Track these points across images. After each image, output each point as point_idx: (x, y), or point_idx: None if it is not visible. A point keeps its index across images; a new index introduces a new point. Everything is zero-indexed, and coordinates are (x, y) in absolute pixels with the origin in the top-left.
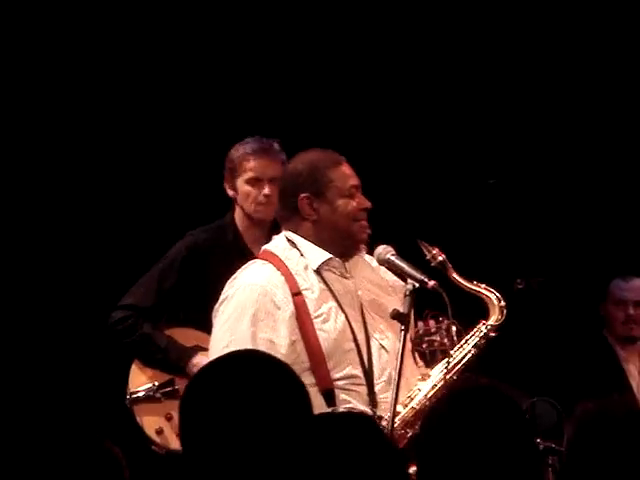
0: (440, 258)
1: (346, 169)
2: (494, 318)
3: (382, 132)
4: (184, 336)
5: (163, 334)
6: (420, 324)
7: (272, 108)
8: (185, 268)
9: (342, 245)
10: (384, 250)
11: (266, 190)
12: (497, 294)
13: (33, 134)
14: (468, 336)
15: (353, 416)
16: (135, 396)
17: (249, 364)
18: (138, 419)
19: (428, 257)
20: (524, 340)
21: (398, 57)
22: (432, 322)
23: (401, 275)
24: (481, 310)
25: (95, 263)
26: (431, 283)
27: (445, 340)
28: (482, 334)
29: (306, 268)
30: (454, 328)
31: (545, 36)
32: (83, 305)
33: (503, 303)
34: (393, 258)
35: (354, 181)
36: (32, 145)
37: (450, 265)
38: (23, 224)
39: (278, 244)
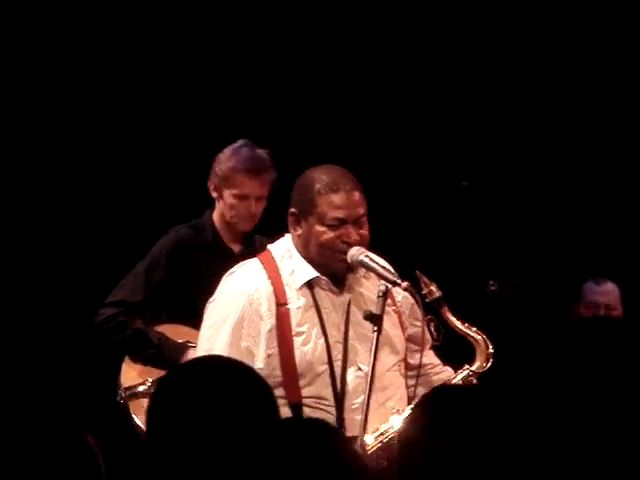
0: (437, 295)
1: (337, 199)
2: (477, 365)
3: (357, 134)
4: (174, 332)
5: (155, 330)
6: None
7: (254, 107)
8: (171, 263)
9: (319, 266)
10: (357, 252)
11: (253, 208)
12: (487, 340)
13: (15, 132)
14: (452, 378)
15: (317, 423)
16: (130, 392)
17: (215, 370)
18: (133, 415)
19: (425, 292)
20: (496, 340)
21: (368, 63)
22: None
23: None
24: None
25: (77, 260)
26: (404, 284)
27: (427, 336)
28: (462, 379)
29: (295, 281)
30: (432, 324)
31: (520, 37)
32: (63, 302)
33: (491, 350)
34: (366, 260)
35: (341, 213)
36: (14, 144)
37: (445, 303)
38: (8, 222)
39: (279, 248)
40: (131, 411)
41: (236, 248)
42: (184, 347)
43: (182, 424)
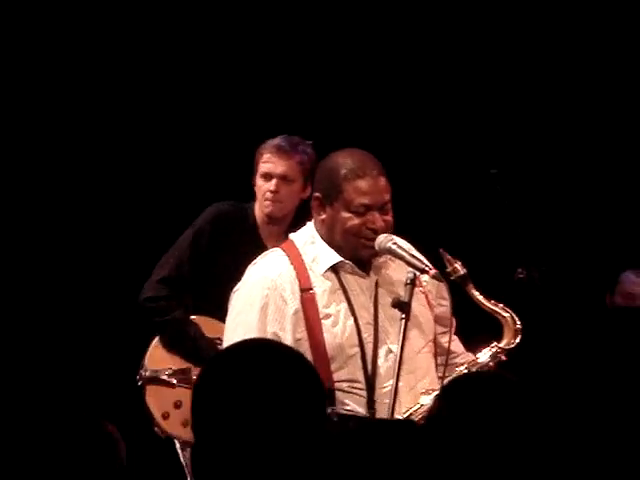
0: (461, 272)
1: (364, 185)
2: (506, 341)
3: (382, 122)
4: (207, 326)
5: (192, 322)
6: None
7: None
8: (215, 232)
9: (343, 251)
10: (385, 239)
11: (272, 186)
12: (514, 316)
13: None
14: (477, 356)
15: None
16: (150, 374)
17: (264, 353)
18: (147, 399)
19: (449, 269)
20: (524, 329)
21: (394, 49)
22: None
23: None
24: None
25: (104, 246)
26: (432, 272)
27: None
28: (491, 356)
29: (319, 266)
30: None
31: (543, 25)
32: (89, 288)
33: (519, 326)
34: (394, 247)
35: (367, 200)
36: (36, 131)
37: (470, 281)
38: (34, 209)
39: (302, 236)
40: (146, 395)
41: (271, 246)
42: (217, 345)
43: (230, 409)
